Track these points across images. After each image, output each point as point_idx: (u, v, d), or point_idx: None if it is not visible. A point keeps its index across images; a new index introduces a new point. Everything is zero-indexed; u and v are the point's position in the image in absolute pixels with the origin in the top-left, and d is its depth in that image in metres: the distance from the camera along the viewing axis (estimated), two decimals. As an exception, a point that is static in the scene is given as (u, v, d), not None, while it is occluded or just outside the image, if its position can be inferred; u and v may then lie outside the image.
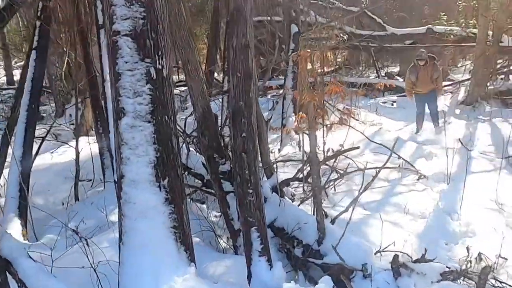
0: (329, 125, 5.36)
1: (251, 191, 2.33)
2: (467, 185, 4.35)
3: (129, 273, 2.00)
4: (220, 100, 5.51)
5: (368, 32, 10.45)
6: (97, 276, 2.25)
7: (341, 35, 8.13)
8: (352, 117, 7.02)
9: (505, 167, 4.94)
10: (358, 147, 3.89)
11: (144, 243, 1.99)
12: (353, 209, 3.09)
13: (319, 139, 5.81)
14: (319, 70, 6.22)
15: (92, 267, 2.25)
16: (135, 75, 2.01)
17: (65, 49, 5.58)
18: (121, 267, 2.06)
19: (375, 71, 12.79)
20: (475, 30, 9.46)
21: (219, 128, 3.64)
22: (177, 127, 4.75)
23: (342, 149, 3.71)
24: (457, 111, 9.03)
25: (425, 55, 6.52)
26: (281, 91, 9.36)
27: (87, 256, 2.27)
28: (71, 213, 3.91)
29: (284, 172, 5.10)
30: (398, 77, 13.45)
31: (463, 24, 10.26)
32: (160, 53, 2.06)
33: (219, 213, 3.79)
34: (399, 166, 5.17)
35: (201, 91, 3.23)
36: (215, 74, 10.33)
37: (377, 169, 3.75)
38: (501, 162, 4.94)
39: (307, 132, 5.31)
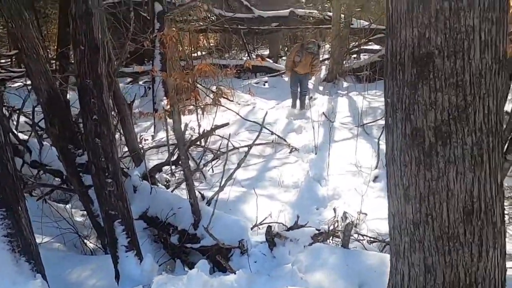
0: (202, 106, 5.24)
1: (109, 180, 2.05)
2: (331, 153, 4.74)
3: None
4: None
5: (237, 15, 10.55)
6: None
7: (210, 16, 8.00)
8: (226, 98, 7.05)
9: (361, 134, 5.52)
10: (227, 123, 3.83)
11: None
12: (229, 186, 3.04)
13: (194, 122, 5.69)
14: (188, 51, 6.00)
15: None
16: None
17: None
18: None
19: (246, 54, 13.10)
20: (330, 13, 10.32)
21: (75, 116, 3.17)
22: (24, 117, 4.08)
23: (213, 127, 3.60)
24: (321, 88, 9.81)
25: (314, 49, 6.95)
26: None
27: None
28: None
29: (159, 159, 4.83)
30: (268, 59, 14.07)
31: (320, 8, 11.11)
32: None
33: (85, 213, 3.37)
34: (272, 141, 5.37)
35: (43, 72, 2.74)
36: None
37: (250, 146, 3.77)
38: (357, 130, 5.51)
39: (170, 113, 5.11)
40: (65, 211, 3.55)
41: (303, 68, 7.23)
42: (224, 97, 5.79)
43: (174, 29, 4.92)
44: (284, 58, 14.24)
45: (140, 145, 3.82)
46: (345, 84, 9.71)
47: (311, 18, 10.54)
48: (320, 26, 10.84)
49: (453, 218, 1.08)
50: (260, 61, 7.86)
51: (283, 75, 7.81)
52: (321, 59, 11.33)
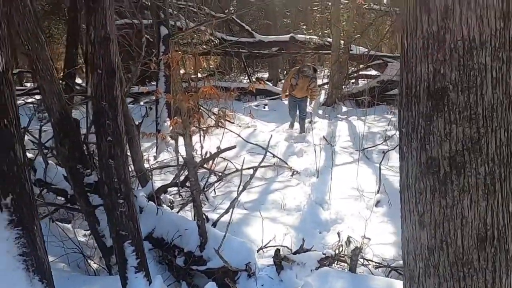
0: (205, 128, 5.30)
1: (121, 201, 2.08)
2: (333, 177, 4.79)
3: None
4: (84, 107, 4.94)
5: (238, 39, 10.80)
6: None
7: (212, 40, 8.18)
8: (228, 120, 7.14)
9: (361, 159, 5.58)
10: (234, 146, 3.90)
11: (-18, 279, 1.58)
12: (233, 209, 3.07)
13: (196, 143, 5.75)
14: (191, 73, 6.11)
15: None
16: (-43, 69, 1.59)
17: None
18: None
19: (247, 77, 13.33)
20: (330, 39, 10.58)
21: (83, 136, 3.21)
22: (29, 135, 4.11)
23: (219, 150, 3.65)
24: (320, 112, 9.94)
25: (309, 72, 7.11)
26: (154, 97, 8.98)
27: None
28: None
29: (162, 180, 4.86)
30: (268, 82, 14.30)
31: (320, 34, 11.38)
32: (-8, 43, 1.68)
33: (88, 232, 3.36)
34: (274, 164, 5.42)
35: (56, 93, 2.80)
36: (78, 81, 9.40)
37: (254, 168, 3.81)
38: (359, 155, 5.58)
39: (183, 135, 5.16)
40: (69, 230, 3.55)
41: (300, 91, 7.37)
42: (226, 120, 5.87)
43: (179, 52, 5.03)
44: (283, 81, 14.51)
45: (146, 165, 3.86)
46: (344, 109, 9.86)
47: (311, 43, 10.78)
48: (320, 51, 11.09)
49: (467, 244, 1.12)
50: (263, 84, 7.97)
51: (282, 99, 7.95)
52: (319, 83, 11.58)
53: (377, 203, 3.99)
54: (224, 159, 5.24)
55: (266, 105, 10.53)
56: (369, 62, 10.38)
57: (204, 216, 3.22)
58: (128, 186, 2.13)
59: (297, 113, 7.61)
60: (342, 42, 9.99)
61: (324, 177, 4.87)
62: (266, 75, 16.09)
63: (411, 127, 1.17)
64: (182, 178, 3.70)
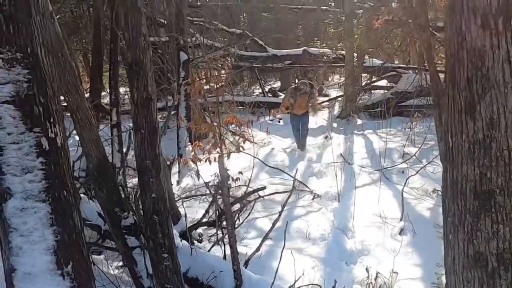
0: (226, 154, 5.41)
1: (165, 255, 2.19)
2: (354, 201, 4.86)
3: None
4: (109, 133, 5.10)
5: (253, 53, 10.94)
6: None
7: (229, 58, 8.31)
8: (248, 140, 7.25)
9: (381, 179, 5.63)
10: (265, 187, 3.96)
11: None
12: (256, 239, 3.16)
13: (215, 169, 5.86)
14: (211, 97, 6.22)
15: None
16: (23, 148, 1.72)
17: None
18: None
19: (259, 88, 13.45)
20: (343, 52, 10.64)
21: (118, 179, 3.35)
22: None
23: (251, 189, 3.75)
24: (335, 125, 10.00)
25: (306, 89, 7.18)
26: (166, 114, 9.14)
27: None
28: None
29: (187, 207, 4.98)
30: (280, 93, 14.39)
31: (333, 47, 11.45)
32: (51, 119, 1.80)
33: (121, 264, 3.50)
34: (294, 188, 5.49)
35: (94, 140, 2.94)
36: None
37: (284, 204, 3.90)
38: (380, 176, 5.62)
39: (206, 161, 5.27)
40: (101, 263, 3.68)
41: (299, 108, 7.48)
42: (247, 139, 5.96)
43: (200, 81, 5.16)
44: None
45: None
46: (359, 121, 9.90)
47: (324, 57, 10.87)
48: (333, 64, 11.15)
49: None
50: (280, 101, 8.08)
51: (282, 113, 8.05)
52: (334, 95, 11.62)
53: (401, 231, 4.05)
54: (244, 185, 5.35)
55: (280, 119, 10.63)
56: (383, 74, 10.41)
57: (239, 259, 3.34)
58: (171, 240, 2.24)
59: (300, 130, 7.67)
60: (355, 54, 10.06)
61: (346, 202, 4.94)
62: (277, 84, 16.21)
63: (457, 219, 1.25)
64: (211, 212, 3.81)
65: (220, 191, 3.93)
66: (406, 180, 4.82)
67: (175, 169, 5.96)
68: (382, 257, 3.58)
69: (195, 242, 3.40)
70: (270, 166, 5.97)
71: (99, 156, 2.92)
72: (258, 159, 5.92)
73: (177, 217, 3.32)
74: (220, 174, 2.74)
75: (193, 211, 4.83)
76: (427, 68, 10.46)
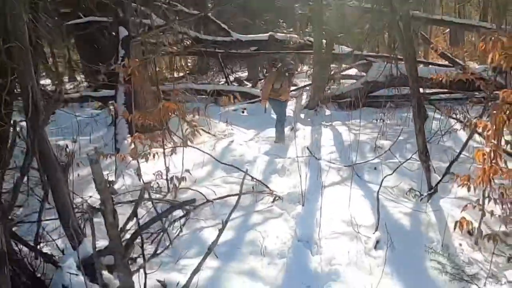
0: (171, 148, 4.52)
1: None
2: (321, 204, 4.12)
3: None
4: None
5: (214, 38, 10.01)
6: None
7: (185, 39, 7.37)
8: (203, 130, 6.34)
9: (352, 177, 4.92)
10: (194, 200, 3.09)
11: None
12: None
13: (161, 165, 4.93)
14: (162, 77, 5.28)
15: None
16: None
17: None
18: None
19: (224, 78, 12.54)
20: (311, 38, 9.90)
21: None
22: None
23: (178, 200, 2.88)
24: (302, 115, 9.29)
25: (294, 67, 6.37)
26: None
27: None
28: None
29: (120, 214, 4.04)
30: (247, 82, 13.52)
31: (301, 32, 10.70)
32: None
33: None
34: (252, 188, 4.68)
35: None
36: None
37: (226, 196, 3.07)
38: (351, 174, 4.91)
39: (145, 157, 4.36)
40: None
41: (286, 93, 6.72)
42: (202, 129, 5.07)
43: (137, 59, 4.22)
44: (262, 81, 13.74)
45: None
46: (327, 112, 9.21)
47: (291, 42, 10.09)
48: (301, 51, 10.40)
49: None
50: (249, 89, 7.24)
51: (262, 106, 7.12)
52: (303, 84, 10.90)
53: (376, 244, 3.32)
54: (192, 189, 4.49)
55: (245, 109, 9.77)
56: (353, 62, 9.77)
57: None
58: None
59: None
60: (324, 41, 9.32)
61: (311, 205, 4.18)
62: (245, 74, 15.29)
63: None
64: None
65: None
66: (382, 181, 4.11)
67: (111, 166, 5.00)
68: (354, 280, 2.82)
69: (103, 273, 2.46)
70: (226, 164, 5.11)
71: None
72: (209, 154, 5.06)
73: (78, 237, 2.39)
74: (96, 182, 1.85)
75: (124, 219, 3.93)
76: (399, 57, 9.92)
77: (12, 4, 1.90)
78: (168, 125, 4.75)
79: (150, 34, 5.29)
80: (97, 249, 2.25)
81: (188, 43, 8.40)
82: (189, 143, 4.42)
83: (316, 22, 8.99)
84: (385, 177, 4.17)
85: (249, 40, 10.68)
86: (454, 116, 5.36)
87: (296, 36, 10.29)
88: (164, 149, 4.22)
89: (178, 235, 3.11)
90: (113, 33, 5.93)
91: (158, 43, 5.55)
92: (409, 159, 4.52)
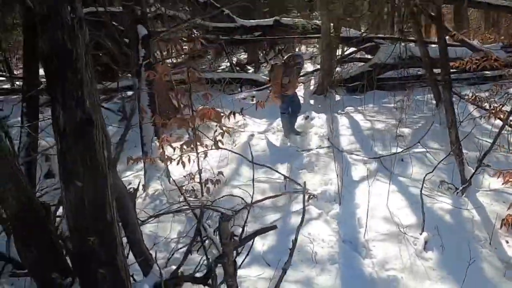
0: (204, 152, 4.46)
1: None
2: (357, 202, 4.12)
3: None
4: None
5: (219, 24, 9.77)
6: None
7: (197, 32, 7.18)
8: (227, 133, 6.22)
9: (379, 170, 4.92)
10: (275, 227, 3.03)
11: None
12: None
13: (192, 167, 4.86)
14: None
15: None
16: None
17: None
18: None
19: (227, 62, 12.32)
20: (318, 22, 9.71)
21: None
22: None
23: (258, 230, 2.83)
24: (312, 101, 9.20)
25: (303, 61, 6.20)
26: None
27: None
28: None
29: (155, 224, 4.00)
30: (248, 66, 13.31)
31: (310, 16, 10.48)
32: None
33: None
34: (284, 187, 4.65)
35: (10, 174, 1.91)
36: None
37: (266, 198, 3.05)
38: (377, 167, 4.90)
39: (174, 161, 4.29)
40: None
41: (293, 86, 6.53)
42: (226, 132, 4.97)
43: (165, 62, 4.09)
44: (264, 65, 13.51)
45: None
46: (337, 97, 9.13)
47: (297, 28, 9.89)
48: (308, 36, 10.21)
49: None
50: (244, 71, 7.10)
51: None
52: (310, 69, 10.75)
53: (425, 245, 3.33)
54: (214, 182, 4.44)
55: (253, 97, 9.65)
56: (362, 45, 9.64)
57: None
58: None
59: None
60: (331, 25, 9.14)
61: (348, 204, 4.17)
62: (243, 57, 14.99)
63: None
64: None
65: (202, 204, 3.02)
66: (424, 178, 4.07)
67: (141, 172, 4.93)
68: (412, 285, 2.84)
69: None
70: (256, 164, 5.02)
71: (21, 197, 1.89)
72: (241, 155, 4.99)
73: (148, 263, 2.37)
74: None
75: (167, 228, 3.89)
76: (409, 38, 9.77)
77: None
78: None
79: (167, 33, 5.11)
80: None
81: (198, 33, 8.18)
82: (220, 145, 4.35)
83: (324, 4, 8.78)
84: (426, 174, 4.14)
85: (253, 25, 10.44)
86: (478, 104, 5.29)
87: (302, 20, 10.08)
88: (197, 153, 4.16)
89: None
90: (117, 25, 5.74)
91: (174, 39, 5.37)
92: (446, 156, 4.48)
